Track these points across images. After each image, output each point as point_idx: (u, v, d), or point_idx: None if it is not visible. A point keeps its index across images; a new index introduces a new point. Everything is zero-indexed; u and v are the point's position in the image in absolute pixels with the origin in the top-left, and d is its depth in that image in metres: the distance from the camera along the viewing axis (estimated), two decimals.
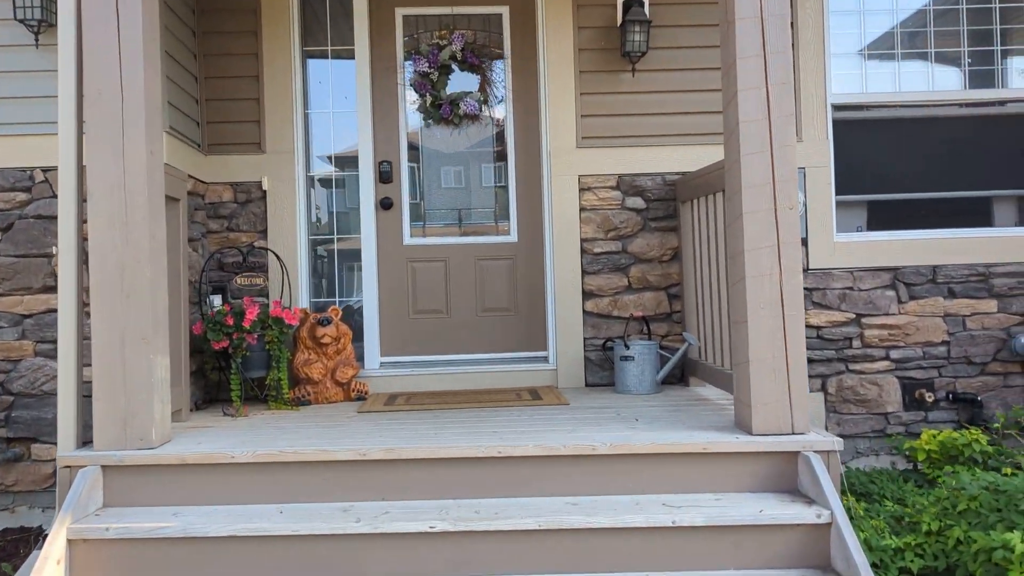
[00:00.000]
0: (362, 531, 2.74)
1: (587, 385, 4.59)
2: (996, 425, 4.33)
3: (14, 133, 3.80)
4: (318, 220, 4.84)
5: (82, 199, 3.01)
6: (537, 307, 4.79)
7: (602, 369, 4.61)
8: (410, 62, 4.70)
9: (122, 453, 2.94)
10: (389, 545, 2.75)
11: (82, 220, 3.03)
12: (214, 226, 4.48)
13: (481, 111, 4.74)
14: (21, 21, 3.71)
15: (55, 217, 3.46)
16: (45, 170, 3.84)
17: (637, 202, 4.65)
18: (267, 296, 4.47)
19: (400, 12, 4.74)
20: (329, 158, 4.83)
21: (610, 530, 2.77)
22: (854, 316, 4.58)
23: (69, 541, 2.69)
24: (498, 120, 4.84)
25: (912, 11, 4.79)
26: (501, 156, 4.86)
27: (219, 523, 2.76)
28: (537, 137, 4.76)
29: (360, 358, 4.58)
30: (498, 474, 3.01)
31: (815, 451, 2.94)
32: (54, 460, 3.60)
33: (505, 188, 4.85)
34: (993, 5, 4.73)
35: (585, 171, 4.62)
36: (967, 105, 4.81)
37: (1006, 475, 3.38)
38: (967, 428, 4.18)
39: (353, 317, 4.78)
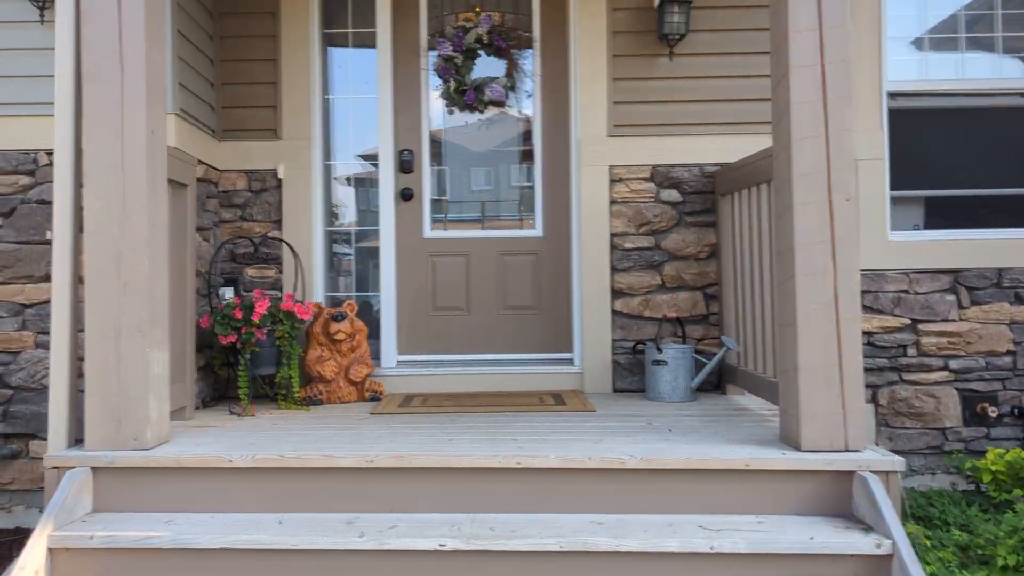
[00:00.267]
0: (366, 547, 2.50)
1: (615, 390, 4.31)
2: None
3: (17, 114, 3.62)
4: (335, 210, 4.63)
5: (79, 182, 2.82)
6: (562, 306, 4.53)
7: (632, 374, 4.32)
8: (433, 52, 4.45)
9: (114, 454, 2.73)
10: (395, 564, 2.51)
11: (79, 204, 2.83)
12: (227, 215, 4.29)
13: (507, 98, 4.49)
14: None
15: None
16: (49, 153, 3.64)
17: (672, 195, 4.36)
18: (280, 289, 4.27)
19: None
20: (348, 146, 4.61)
21: (640, 554, 2.49)
22: (909, 322, 4.24)
23: (50, 550, 2.49)
24: (524, 107, 4.58)
25: None
26: (527, 145, 4.60)
27: (213, 533, 2.54)
28: (566, 125, 4.49)
29: (376, 356, 4.36)
30: (516, 487, 2.76)
31: (872, 471, 2.64)
32: None
33: (531, 179, 4.59)
34: None
35: (617, 161, 4.34)
36: None
37: None
38: None
39: (370, 313, 4.56)
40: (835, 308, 2.80)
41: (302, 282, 4.18)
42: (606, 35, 4.34)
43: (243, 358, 3.71)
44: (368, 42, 4.45)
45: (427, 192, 4.55)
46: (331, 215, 4.58)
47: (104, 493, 2.74)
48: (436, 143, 4.59)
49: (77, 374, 2.83)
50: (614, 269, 4.33)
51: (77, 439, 2.85)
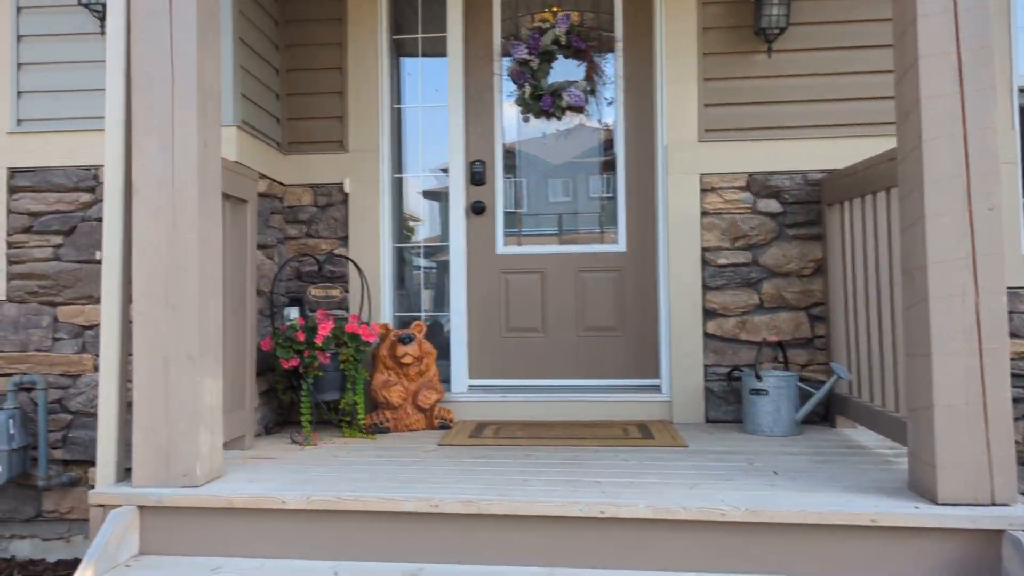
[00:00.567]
0: None
1: (707, 421, 3.91)
2: None
3: (78, 128, 3.53)
4: (404, 225, 4.39)
5: (129, 198, 2.64)
6: (648, 327, 4.15)
7: (726, 403, 3.91)
8: (507, 57, 4.17)
9: (161, 492, 2.53)
10: None
11: (129, 221, 2.65)
12: (292, 231, 4.10)
13: (587, 102, 4.17)
14: (85, 6, 3.43)
15: None
16: None
17: (771, 205, 3.94)
18: (347, 309, 4.05)
19: None
20: (417, 158, 4.37)
21: None
22: None
23: None
24: (605, 113, 4.24)
25: None
26: (609, 153, 4.27)
27: None
28: (651, 131, 4.13)
29: (446, 380, 4.08)
30: (600, 538, 2.42)
31: None
32: None
33: (612, 190, 4.24)
34: None
35: (708, 169, 3.95)
36: None
37: None
38: None
39: (440, 334, 4.29)
40: (977, 336, 2.38)
41: (368, 302, 3.95)
42: (696, 32, 3.97)
43: (306, 383, 3.49)
44: (439, 47, 4.21)
45: (500, 205, 4.26)
46: (400, 230, 4.34)
47: (151, 534, 2.53)
48: (509, 153, 4.31)
49: (127, 403, 2.64)
50: (706, 287, 3.94)
51: (128, 469, 2.66)
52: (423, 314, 4.32)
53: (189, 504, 2.52)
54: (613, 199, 4.24)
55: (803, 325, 3.91)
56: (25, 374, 3.49)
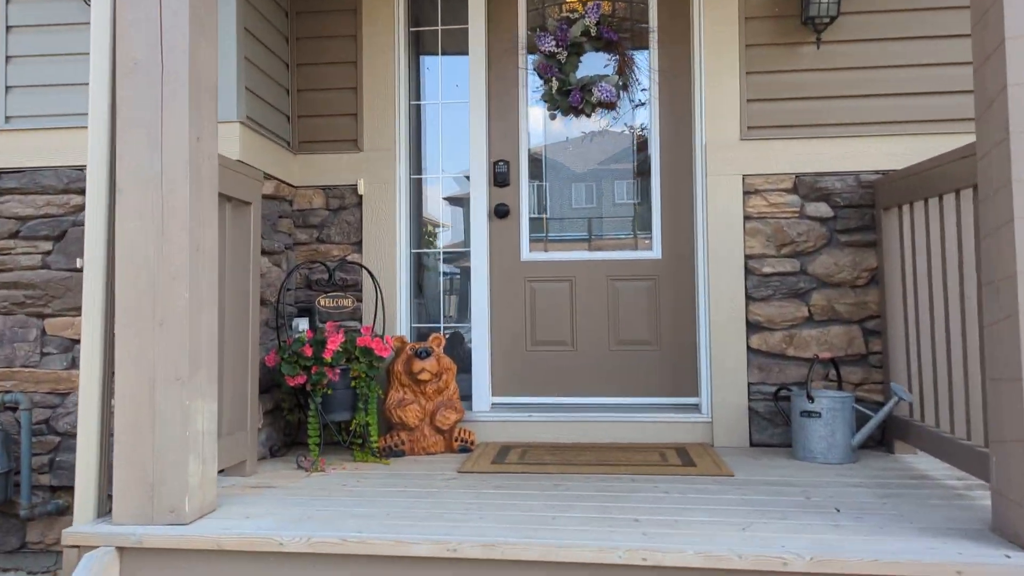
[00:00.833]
0: None
1: (752, 444, 3.57)
2: None
3: (69, 126, 3.25)
4: (425, 229, 4.10)
5: (114, 198, 2.36)
6: (686, 341, 3.82)
7: (773, 425, 3.57)
8: (532, 56, 3.87)
9: (144, 530, 2.24)
10: None
11: (113, 224, 2.37)
12: (302, 236, 3.83)
13: (618, 98, 3.86)
14: None
15: None
16: None
17: (821, 209, 3.60)
18: (360, 320, 3.76)
19: None
20: (437, 158, 4.08)
21: None
22: None
23: None
24: (639, 109, 3.93)
25: None
26: (642, 152, 3.95)
27: None
28: (689, 128, 3.81)
29: (467, 397, 3.78)
30: None
31: None
32: None
33: (646, 192, 3.92)
34: None
35: (751, 170, 3.63)
36: None
37: None
38: None
39: (461, 347, 3.99)
40: None
41: (383, 312, 3.65)
42: (738, 22, 3.65)
43: (313, 402, 3.21)
44: (460, 40, 3.91)
45: (525, 208, 3.95)
46: (419, 235, 4.05)
47: None
48: (535, 152, 4.01)
49: (110, 429, 2.37)
50: (749, 298, 3.61)
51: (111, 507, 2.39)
52: (442, 326, 4.03)
53: (174, 545, 2.23)
54: (647, 202, 3.92)
55: (856, 340, 3.56)
56: (8, 392, 3.24)
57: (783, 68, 3.65)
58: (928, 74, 3.54)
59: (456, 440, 3.47)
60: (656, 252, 3.88)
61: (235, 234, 2.92)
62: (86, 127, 2.37)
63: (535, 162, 4.01)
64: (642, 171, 3.95)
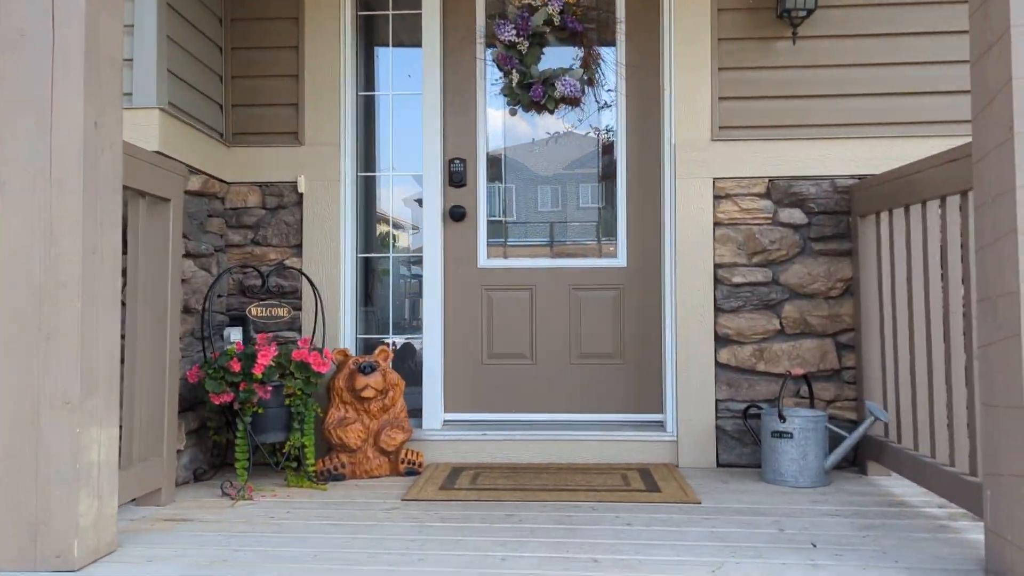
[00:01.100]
0: None
1: (719, 464, 3.34)
2: None
3: None
4: (381, 233, 3.80)
5: None
6: (651, 355, 3.58)
7: (741, 444, 3.34)
8: (491, 48, 3.59)
9: None
10: None
11: None
12: (235, 238, 3.50)
13: (583, 93, 3.60)
14: None
15: None
16: None
17: (794, 215, 3.39)
18: (300, 330, 3.45)
19: None
20: (388, 154, 3.78)
21: None
22: None
23: None
24: (606, 110, 3.68)
25: None
26: (608, 154, 3.70)
27: None
28: (657, 127, 3.57)
29: (417, 412, 3.49)
30: None
31: None
32: None
33: (612, 197, 3.68)
34: None
35: (723, 172, 3.41)
36: None
37: None
38: None
39: (412, 359, 3.70)
40: None
41: (323, 323, 3.34)
42: (710, 14, 3.43)
43: (242, 422, 2.89)
44: (415, 27, 3.62)
45: (483, 211, 3.68)
46: (368, 238, 3.75)
47: None
48: (495, 153, 3.74)
49: None
50: (719, 309, 3.38)
51: None
52: (390, 337, 3.73)
53: None
54: (612, 206, 3.68)
55: (829, 355, 3.36)
56: None
57: (757, 65, 3.44)
58: (910, 73, 3.36)
59: (403, 462, 3.17)
60: (621, 260, 3.64)
61: (151, 235, 2.60)
62: None
63: (495, 163, 3.74)
64: (607, 174, 3.70)
